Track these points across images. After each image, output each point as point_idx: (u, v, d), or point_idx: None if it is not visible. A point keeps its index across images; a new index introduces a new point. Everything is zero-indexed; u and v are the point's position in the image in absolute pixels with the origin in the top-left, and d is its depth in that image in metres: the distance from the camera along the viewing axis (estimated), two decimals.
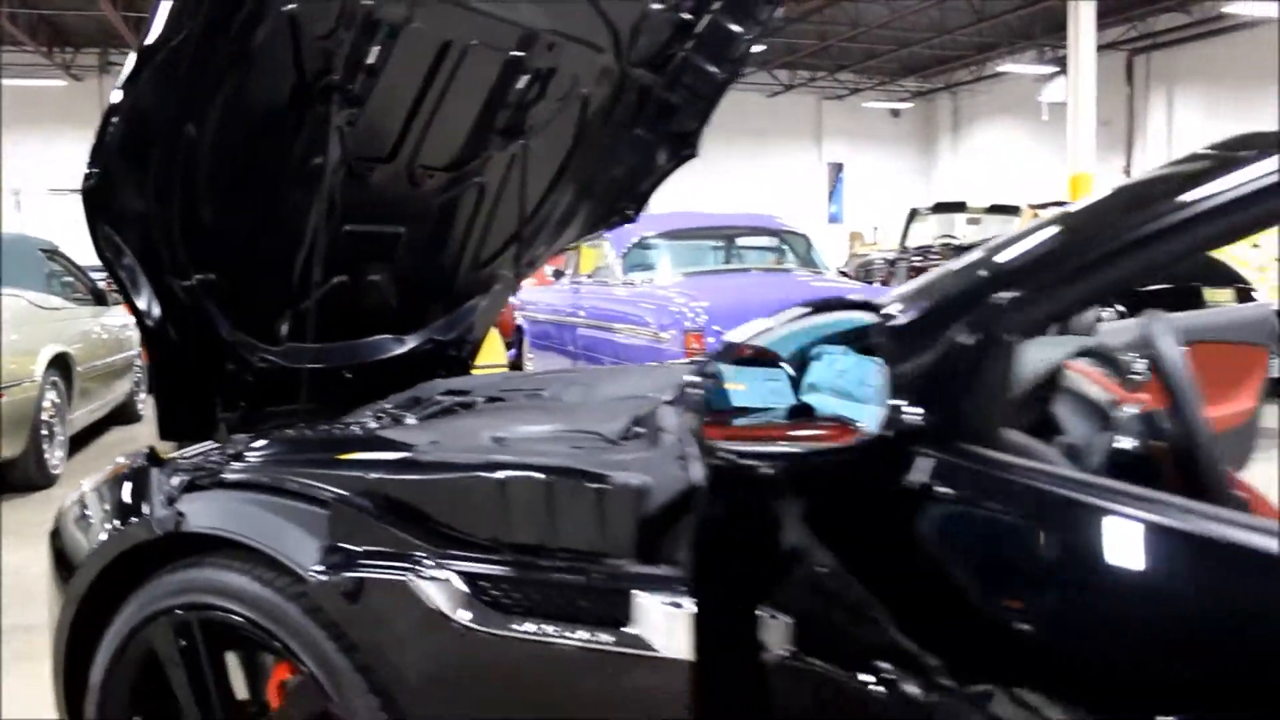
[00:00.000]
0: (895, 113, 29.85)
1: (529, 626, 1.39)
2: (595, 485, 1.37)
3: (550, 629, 1.37)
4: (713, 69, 2.85)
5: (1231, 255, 8.46)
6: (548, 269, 9.13)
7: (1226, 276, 7.20)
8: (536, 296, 9.28)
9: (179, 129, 1.92)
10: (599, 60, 2.64)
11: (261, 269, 2.30)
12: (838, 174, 28.96)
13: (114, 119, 1.80)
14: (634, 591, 1.32)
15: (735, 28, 2.79)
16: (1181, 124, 22.70)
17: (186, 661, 1.68)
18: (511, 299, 10.36)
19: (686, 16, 2.72)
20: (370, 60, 2.15)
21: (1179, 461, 1.43)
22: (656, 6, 2.61)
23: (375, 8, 2.05)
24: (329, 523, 1.54)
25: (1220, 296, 6.90)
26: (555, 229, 3.00)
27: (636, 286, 7.17)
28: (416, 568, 1.46)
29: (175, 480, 1.74)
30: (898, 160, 29.63)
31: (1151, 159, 23.32)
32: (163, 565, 1.71)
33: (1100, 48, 22.57)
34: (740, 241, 8.41)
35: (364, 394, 2.48)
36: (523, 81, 2.53)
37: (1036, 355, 1.67)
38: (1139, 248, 1.21)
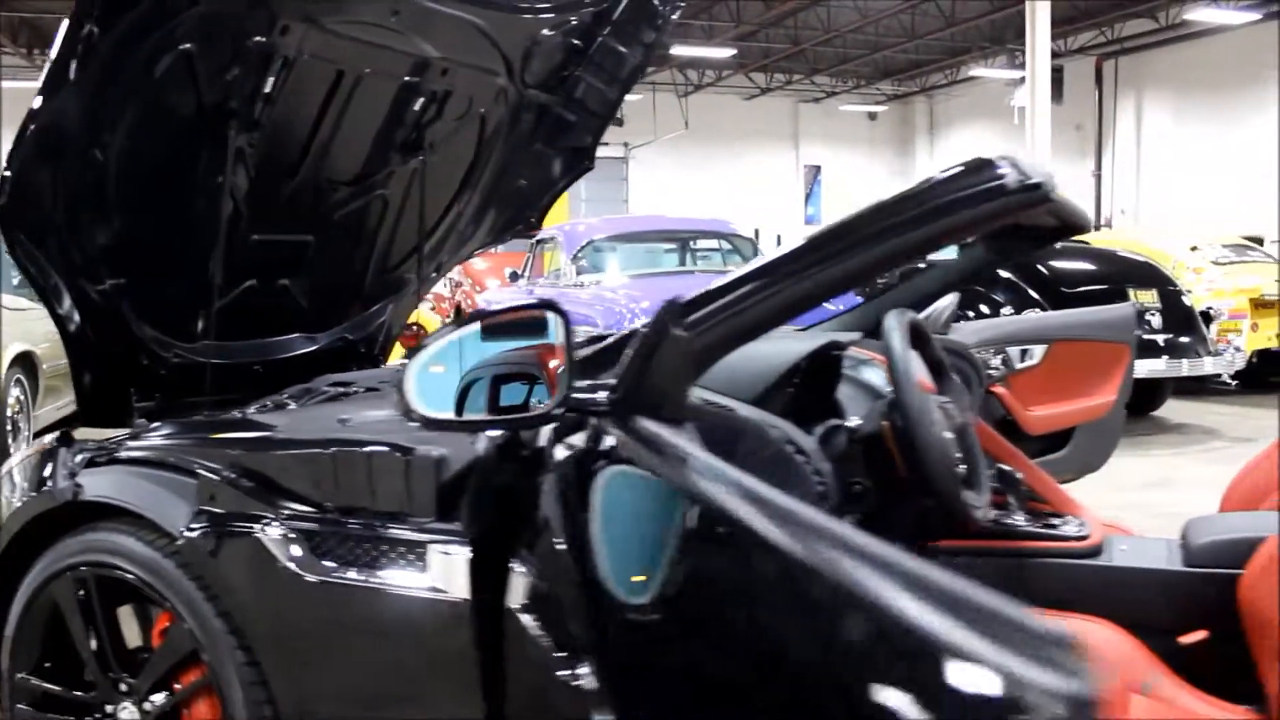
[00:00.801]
0: (872, 115, 30.17)
1: (351, 574, 1.66)
2: (403, 456, 1.64)
3: (366, 576, 1.65)
4: (604, 87, 3.11)
5: (1167, 255, 8.77)
6: (505, 270, 9.39)
7: (1153, 278, 7.48)
8: (498, 298, 9.55)
9: (87, 151, 2.17)
10: (494, 82, 2.89)
11: (175, 274, 2.55)
12: (815, 176, 29.26)
13: (31, 125, 2.05)
14: (429, 544, 1.60)
15: (623, 49, 3.05)
16: (1150, 127, 23.07)
17: (84, 612, 1.95)
18: (479, 301, 10.55)
19: (577, 42, 2.97)
20: (267, 89, 2.40)
21: (899, 439, 1.68)
22: (547, 32, 2.86)
23: (267, 44, 2.30)
24: (198, 490, 1.81)
25: (1145, 297, 7.18)
26: (460, 236, 3.26)
27: (585, 288, 7.45)
28: (264, 526, 1.73)
29: (78, 457, 2.01)
30: (875, 162, 29.94)
31: (1121, 162, 23.68)
32: (68, 530, 1.98)
33: (1070, 53, 22.95)
34: (693, 244, 8.68)
35: (278, 386, 2.73)
36: (419, 103, 2.78)
37: (788, 348, 1.92)
38: (775, 288, 1.47)
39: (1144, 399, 7.97)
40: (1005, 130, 25.28)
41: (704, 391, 1.69)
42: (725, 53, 23.24)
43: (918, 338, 1.93)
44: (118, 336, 2.41)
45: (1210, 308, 7.79)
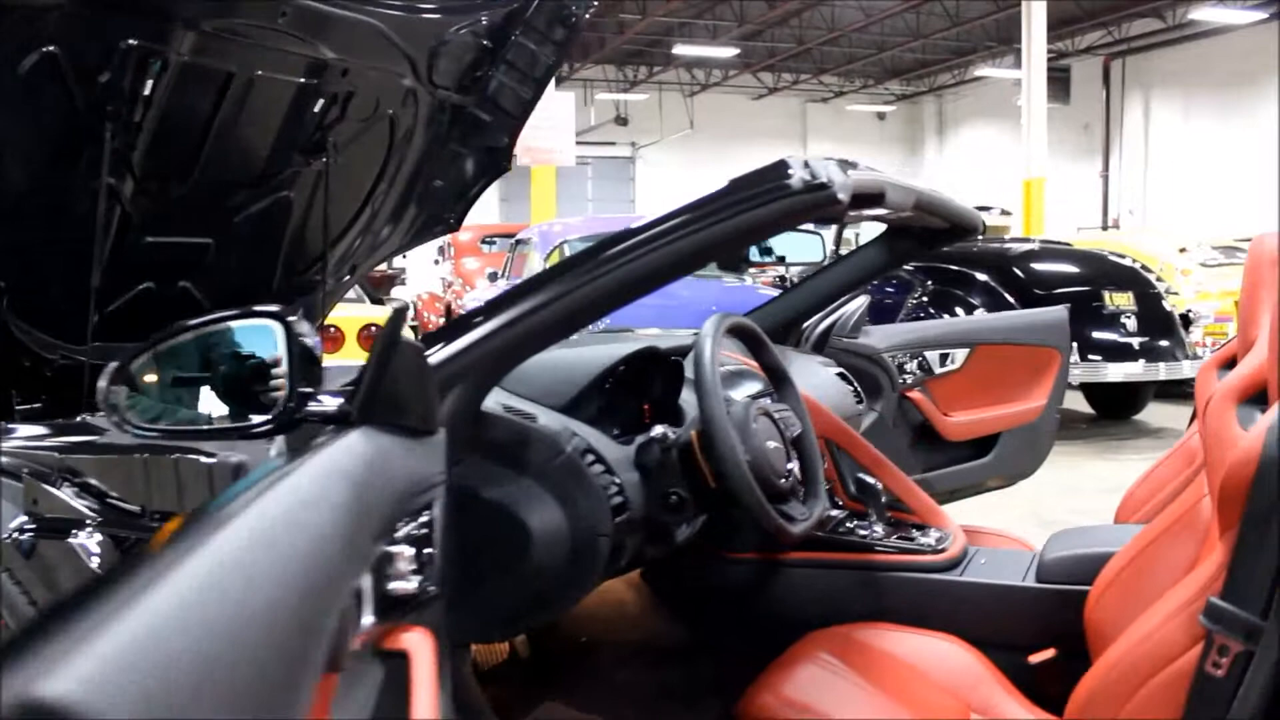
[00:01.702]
0: (880, 115, 30.08)
1: None
2: (205, 461, 1.63)
3: None
4: (518, 87, 3.09)
5: (1154, 258, 8.69)
6: (489, 270, 9.38)
7: (1132, 281, 7.42)
8: (485, 297, 9.57)
9: None
10: (401, 83, 2.86)
11: (58, 277, 2.53)
12: None
13: None
14: None
15: (536, 48, 3.02)
16: (1158, 126, 22.93)
17: None
18: (467, 300, 10.52)
19: (487, 42, 2.95)
20: (146, 92, 2.38)
21: (705, 450, 1.65)
22: (455, 32, 2.82)
23: (142, 47, 2.27)
24: (23, 494, 1.81)
25: (1121, 300, 7.12)
26: (375, 238, 3.24)
27: None
28: (78, 531, 1.72)
29: None
30: (885, 162, 29.74)
31: (1129, 161, 23.54)
32: None
33: (1078, 52, 22.84)
34: None
35: None
36: (319, 105, 2.75)
37: (602, 352, 1.89)
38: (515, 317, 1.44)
39: (1124, 403, 7.92)
40: (1014, 129, 25.11)
41: (510, 397, 1.67)
42: (729, 52, 23.19)
43: (753, 342, 1.89)
44: None
45: (1190, 310, 7.71)
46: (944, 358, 3.23)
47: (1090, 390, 7.99)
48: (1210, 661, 1.22)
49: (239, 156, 2.71)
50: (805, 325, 2.99)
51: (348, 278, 3.32)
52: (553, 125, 14.25)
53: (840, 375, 2.74)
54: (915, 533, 2.05)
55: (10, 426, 2.16)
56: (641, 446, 1.68)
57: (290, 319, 1.26)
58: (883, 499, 2.05)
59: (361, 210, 3.13)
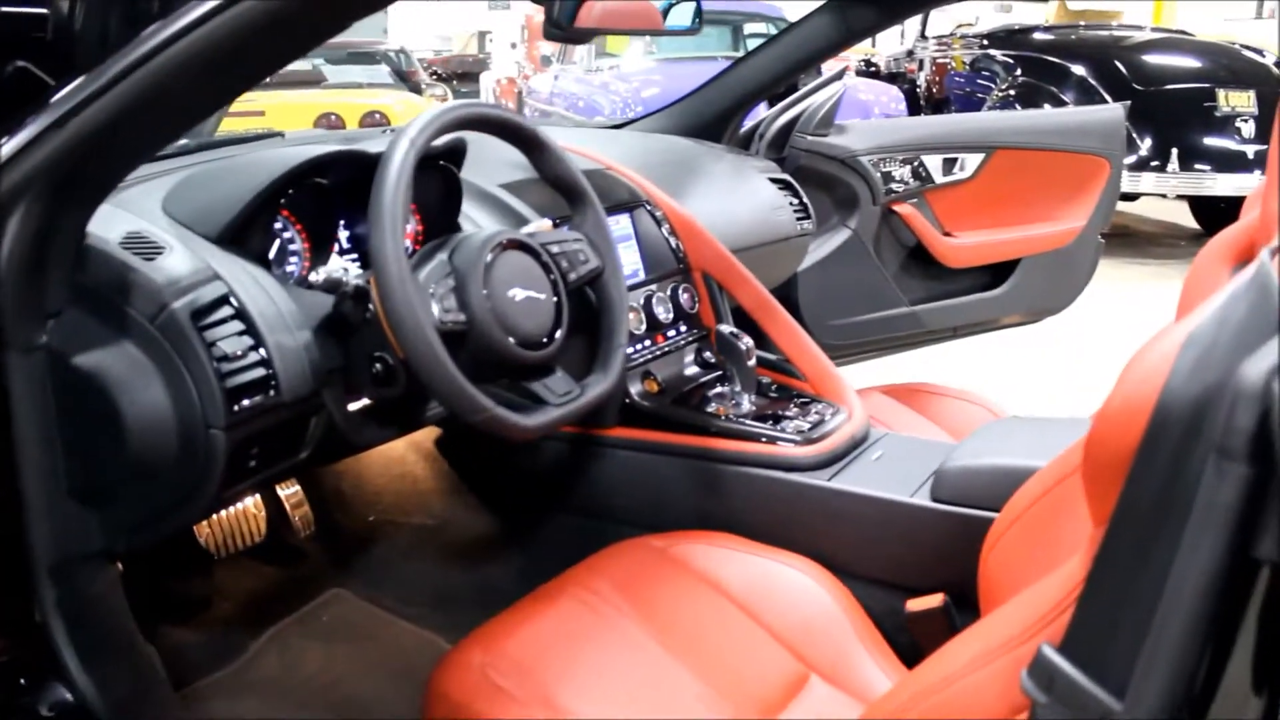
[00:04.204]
0: None
1: None
2: None
3: None
4: None
5: None
6: (547, 50, 8.71)
7: (1255, 78, 6.42)
8: (538, 86, 8.95)
9: None
10: None
11: None
12: None
13: None
14: None
15: None
16: None
17: None
18: (532, 84, 9.92)
19: None
20: None
21: (380, 294, 1.12)
22: None
23: None
24: None
25: (1238, 100, 6.18)
26: None
27: (601, 73, 6.86)
28: None
29: None
30: None
31: None
32: None
33: None
34: (747, 29, 7.87)
35: None
36: None
37: (274, 159, 1.36)
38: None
39: (1230, 220, 7.06)
40: None
41: (155, 222, 1.17)
42: None
43: (518, 141, 1.33)
44: None
45: None
46: (950, 163, 2.61)
47: (1196, 204, 7.13)
48: None
49: None
50: (761, 120, 2.42)
51: None
52: None
53: (782, 183, 2.17)
54: (793, 409, 1.52)
55: None
56: (340, 296, 1.18)
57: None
58: (751, 360, 1.52)
59: None
